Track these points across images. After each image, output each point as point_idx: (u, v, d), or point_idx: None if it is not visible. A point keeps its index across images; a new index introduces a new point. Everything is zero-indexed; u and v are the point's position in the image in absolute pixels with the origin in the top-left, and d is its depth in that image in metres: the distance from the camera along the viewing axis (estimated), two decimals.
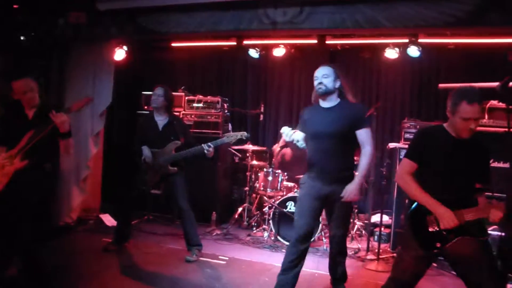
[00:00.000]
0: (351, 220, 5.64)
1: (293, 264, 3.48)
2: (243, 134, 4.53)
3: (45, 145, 3.43)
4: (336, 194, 3.44)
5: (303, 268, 3.56)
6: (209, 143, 4.46)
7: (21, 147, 3.38)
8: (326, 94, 3.51)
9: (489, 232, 2.85)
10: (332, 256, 3.75)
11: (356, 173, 3.50)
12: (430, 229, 2.71)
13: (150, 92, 4.89)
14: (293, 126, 3.65)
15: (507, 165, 4.33)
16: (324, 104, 3.57)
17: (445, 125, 2.85)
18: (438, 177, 2.77)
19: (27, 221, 3.39)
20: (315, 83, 3.54)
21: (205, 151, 4.44)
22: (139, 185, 4.70)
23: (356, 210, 5.73)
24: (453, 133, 2.79)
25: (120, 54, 5.87)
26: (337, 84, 3.52)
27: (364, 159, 3.43)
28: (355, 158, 3.65)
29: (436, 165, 2.78)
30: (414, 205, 2.79)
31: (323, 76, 3.51)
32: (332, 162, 3.46)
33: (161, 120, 4.77)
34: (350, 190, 3.37)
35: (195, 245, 4.66)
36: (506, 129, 2.74)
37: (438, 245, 2.68)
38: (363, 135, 3.46)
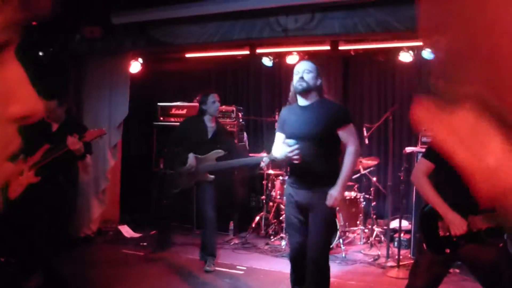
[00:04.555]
0: (370, 226, 5.57)
1: (298, 282, 3.40)
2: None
3: (59, 159, 3.47)
4: (313, 202, 3.18)
5: None
6: (266, 157, 4.20)
7: (35, 161, 3.43)
8: (306, 92, 3.19)
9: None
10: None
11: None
12: (441, 233, 2.63)
13: (165, 104, 4.90)
14: None
15: None
16: (301, 102, 3.25)
17: None
18: (456, 180, 2.63)
19: (41, 232, 3.44)
20: (295, 78, 3.21)
21: (262, 164, 4.39)
22: (171, 188, 4.65)
23: (374, 216, 5.65)
24: None
25: (135, 66, 5.96)
26: (318, 82, 3.22)
27: (347, 159, 3.16)
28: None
29: (453, 166, 2.64)
30: (427, 207, 2.71)
31: (305, 71, 3.19)
32: (312, 167, 3.15)
33: (211, 127, 4.64)
34: (333, 195, 3.09)
35: (211, 254, 4.63)
36: None
37: (448, 250, 2.59)
38: (346, 133, 3.17)
